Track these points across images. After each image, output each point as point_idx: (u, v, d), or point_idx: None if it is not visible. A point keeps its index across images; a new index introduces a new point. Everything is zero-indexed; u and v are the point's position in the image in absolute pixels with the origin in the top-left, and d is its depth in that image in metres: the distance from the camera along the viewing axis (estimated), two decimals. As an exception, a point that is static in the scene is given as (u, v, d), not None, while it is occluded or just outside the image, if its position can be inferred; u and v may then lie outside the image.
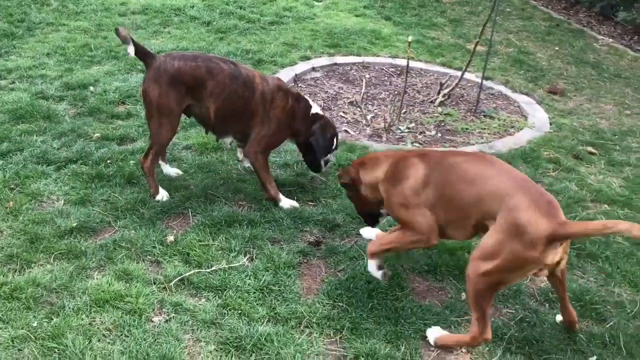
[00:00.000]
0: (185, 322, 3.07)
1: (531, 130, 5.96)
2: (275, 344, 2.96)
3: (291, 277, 3.48)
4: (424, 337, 3.16)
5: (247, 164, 4.50)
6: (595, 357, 3.12)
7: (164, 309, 3.15)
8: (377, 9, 9.45)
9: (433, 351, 3.10)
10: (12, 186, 4.06)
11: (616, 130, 6.29)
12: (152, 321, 3.07)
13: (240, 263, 3.55)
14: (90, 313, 3.06)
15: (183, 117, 5.31)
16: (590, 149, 5.69)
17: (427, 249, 3.67)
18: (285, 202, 4.14)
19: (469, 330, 3.02)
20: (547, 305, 3.50)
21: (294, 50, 7.29)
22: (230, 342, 2.95)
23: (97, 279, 3.31)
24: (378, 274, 3.38)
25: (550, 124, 6.19)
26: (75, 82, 5.75)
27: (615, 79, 7.99)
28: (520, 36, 9.33)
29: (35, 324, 2.94)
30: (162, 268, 3.45)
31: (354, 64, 7.29)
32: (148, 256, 3.54)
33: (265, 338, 2.98)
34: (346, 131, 5.57)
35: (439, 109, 6.24)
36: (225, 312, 3.16)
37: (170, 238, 3.67)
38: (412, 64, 6.85)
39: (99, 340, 2.90)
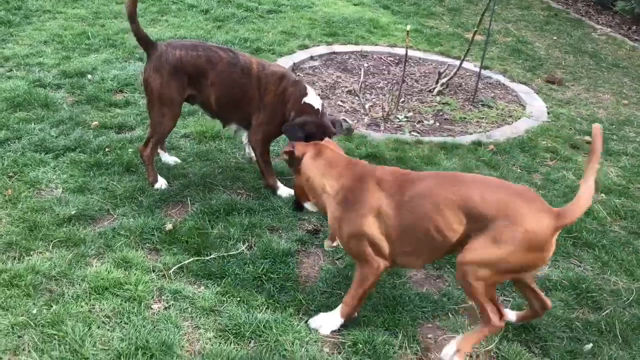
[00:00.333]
0: (185, 309, 3.08)
1: (529, 120, 5.97)
2: (274, 330, 2.98)
3: (289, 265, 3.49)
4: (421, 324, 3.18)
5: (248, 150, 4.49)
6: (591, 345, 3.15)
7: (163, 297, 3.16)
8: (375, -3, 9.42)
9: (430, 339, 3.12)
10: (11, 174, 4.06)
11: (614, 119, 6.31)
12: (152, 308, 3.08)
13: (239, 251, 3.56)
14: (90, 300, 3.07)
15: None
16: (587, 138, 5.69)
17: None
18: (284, 191, 4.15)
19: (484, 322, 2.83)
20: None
21: (292, 39, 7.27)
22: (229, 329, 2.96)
23: (96, 266, 3.32)
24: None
25: (548, 113, 6.20)
26: (73, 70, 5.74)
27: (613, 69, 8.00)
28: (518, 25, 9.32)
29: (35, 311, 2.95)
30: (161, 256, 3.47)
31: (352, 52, 7.28)
32: (147, 244, 3.55)
33: (264, 325, 2.99)
34: (344, 120, 5.55)
35: (437, 98, 6.24)
36: (224, 299, 3.17)
37: (169, 226, 3.68)
38: (411, 52, 6.84)
39: (98, 327, 2.91)
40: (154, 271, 3.32)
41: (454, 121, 5.81)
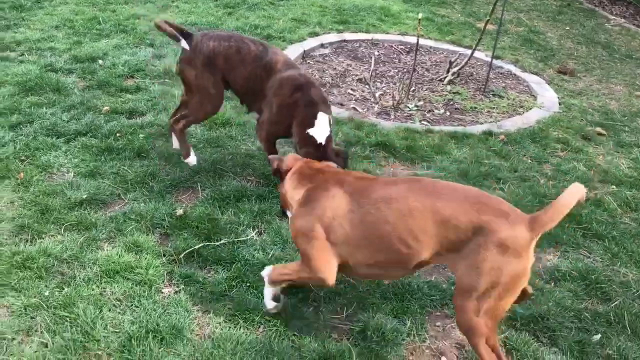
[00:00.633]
0: (195, 293, 3.10)
1: (540, 110, 5.94)
2: (283, 316, 3.00)
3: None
4: (430, 313, 3.19)
5: None
6: (599, 335, 3.15)
7: (173, 281, 3.19)
8: (386, -15, 9.36)
9: (438, 327, 3.13)
10: (23, 158, 4.09)
11: (626, 111, 6.26)
12: (162, 292, 3.11)
13: (249, 237, 3.58)
14: (101, 283, 3.10)
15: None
16: (599, 129, 5.66)
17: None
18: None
19: None
20: (552, 283, 3.52)
21: (303, 26, 7.24)
22: (239, 314, 2.98)
23: (107, 250, 3.35)
24: (270, 304, 3.00)
25: (560, 104, 6.17)
26: (84, 55, 5.75)
27: (626, 60, 7.93)
28: (530, 15, 9.24)
29: (47, 293, 2.99)
30: (172, 241, 3.49)
31: (363, 40, 7.25)
32: (158, 229, 3.57)
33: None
34: (354, 108, 5.55)
35: (448, 88, 6.22)
36: (234, 284, 3.19)
37: (180, 211, 3.70)
38: (422, 41, 6.80)
39: (109, 310, 2.94)
40: (164, 255, 3.35)
41: (464, 111, 5.78)
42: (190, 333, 2.87)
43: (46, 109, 4.73)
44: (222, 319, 2.97)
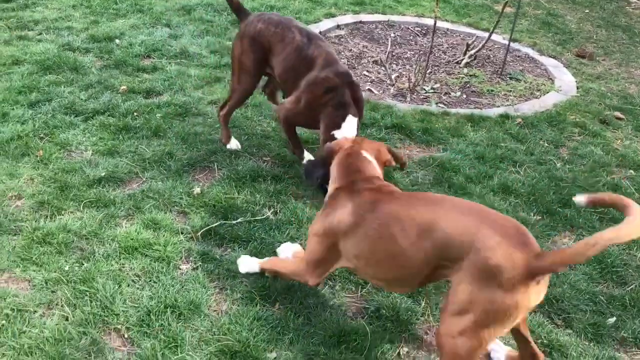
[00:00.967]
0: (212, 270, 3.14)
1: (557, 94, 5.88)
2: (299, 294, 3.03)
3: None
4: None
5: None
6: (614, 318, 3.15)
7: (191, 258, 3.23)
8: (403, -34, 9.26)
9: (453, 307, 3.14)
10: (42, 135, 4.13)
11: (645, 96, 6.18)
12: (180, 269, 3.15)
13: (265, 216, 3.60)
14: (120, 259, 3.14)
15: (208, 72, 5.33)
16: (617, 114, 5.60)
17: None
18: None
19: None
20: (567, 266, 3.52)
21: (319, 7, 7.21)
22: (255, 291, 3.02)
23: (125, 227, 3.39)
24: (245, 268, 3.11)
25: (578, 88, 6.10)
26: (101, 34, 5.77)
27: (647, 44, 7.81)
28: (549, -2, 9.11)
29: (67, 268, 3.04)
30: (189, 219, 3.52)
31: (379, 22, 7.20)
32: (175, 207, 3.61)
33: (289, 288, 3.04)
34: (370, 90, 5.54)
35: (465, 70, 6.17)
36: (251, 262, 3.22)
37: (197, 190, 3.73)
38: (438, 23, 6.72)
39: (128, 286, 2.99)
40: (182, 233, 3.38)
41: (481, 94, 5.74)
42: (208, 309, 2.91)
43: (64, 87, 4.76)
44: (239, 296, 3.00)
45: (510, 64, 6.49)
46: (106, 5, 6.51)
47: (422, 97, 5.53)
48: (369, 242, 2.59)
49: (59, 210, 3.46)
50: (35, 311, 2.79)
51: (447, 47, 6.76)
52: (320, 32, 6.52)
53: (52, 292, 2.91)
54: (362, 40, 6.65)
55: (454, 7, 7.93)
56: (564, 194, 4.15)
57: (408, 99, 5.45)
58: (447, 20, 7.47)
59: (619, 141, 5.13)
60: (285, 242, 3.35)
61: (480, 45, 6.33)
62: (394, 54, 6.39)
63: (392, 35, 6.89)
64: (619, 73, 6.72)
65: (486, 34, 6.40)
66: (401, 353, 2.84)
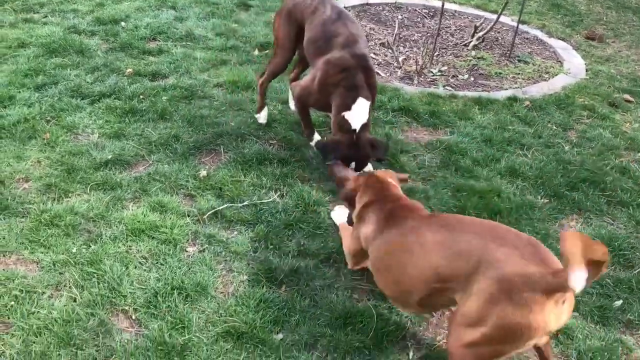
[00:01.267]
0: (219, 253, 3.15)
1: (566, 77, 5.83)
2: (305, 276, 3.04)
3: (320, 214, 3.53)
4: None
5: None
6: (621, 301, 3.14)
7: (197, 240, 3.23)
8: (411, -52, 9.14)
9: (459, 289, 3.14)
10: (48, 118, 4.14)
11: (655, 78, 6.12)
12: (187, 251, 3.16)
13: (271, 199, 3.60)
14: (127, 242, 3.16)
15: (214, 54, 5.31)
16: (627, 96, 5.55)
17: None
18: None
19: None
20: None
21: (326, -11, 7.12)
22: (262, 273, 3.03)
23: (132, 209, 3.40)
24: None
25: (587, 70, 6.04)
26: (107, 17, 5.75)
27: (658, 26, 7.71)
28: (559, -21, 8.98)
29: (74, 250, 3.06)
30: (196, 201, 3.53)
31: (386, 4, 7.13)
32: (182, 190, 3.61)
33: (295, 270, 3.05)
34: (377, 73, 5.49)
35: (473, 53, 6.12)
36: (257, 245, 3.23)
37: (203, 173, 3.73)
38: (446, 5, 6.66)
39: (135, 267, 3.00)
40: (188, 216, 3.39)
41: (489, 76, 5.70)
42: (215, 291, 2.92)
43: (70, 70, 4.76)
44: (246, 278, 3.02)
45: (519, 46, 6.43)
46: (111, -12, 6.47)
47: (429, 79, 5.49)
48: (380, 254, 2.68)
49: (66, 193, 3.47)
50: (43, 292, 2.82)
51: (455, 30, 6.70)
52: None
53: (60, 273, 2.93)
54: (369, 23, 6.60)
55: (462, -11, 7.84)
56: (572, 177, 4.13)
57: (415, 81, 5.41)
58: (455, 2, 7.39)
59: (628, 124, 5.08)
60: (290, 224, 3.36)
61: (489, 27, 6.27)
62: (401, 36, 6.34)
63: (400, 17, 6.82)
64: (629, 55, 6.64)
65: (494, 16, 6.33)
66: (407, 335, 2.85)
